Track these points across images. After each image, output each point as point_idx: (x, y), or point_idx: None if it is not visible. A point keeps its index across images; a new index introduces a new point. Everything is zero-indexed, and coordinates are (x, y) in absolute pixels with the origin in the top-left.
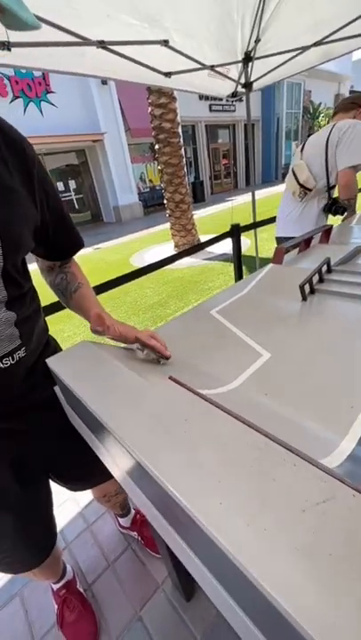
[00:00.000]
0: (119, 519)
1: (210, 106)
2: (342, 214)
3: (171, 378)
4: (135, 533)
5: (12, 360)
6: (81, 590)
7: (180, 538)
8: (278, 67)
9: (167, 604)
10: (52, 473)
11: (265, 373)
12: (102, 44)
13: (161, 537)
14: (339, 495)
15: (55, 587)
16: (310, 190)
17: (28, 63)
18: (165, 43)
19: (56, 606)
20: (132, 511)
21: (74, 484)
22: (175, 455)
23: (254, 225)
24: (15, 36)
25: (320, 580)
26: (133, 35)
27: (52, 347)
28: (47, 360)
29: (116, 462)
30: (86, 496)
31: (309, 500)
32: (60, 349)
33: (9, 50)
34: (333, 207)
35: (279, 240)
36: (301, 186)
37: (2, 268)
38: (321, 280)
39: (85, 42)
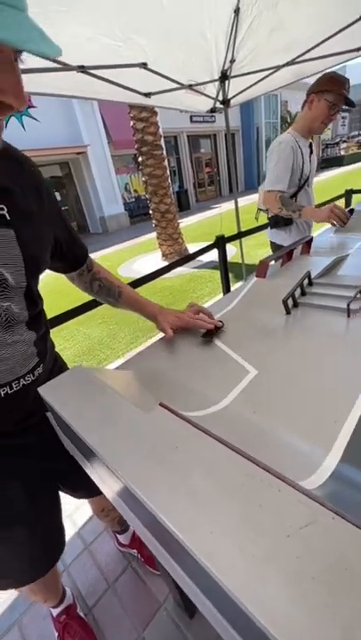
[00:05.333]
0: (118, 536)
1: (191, 117)
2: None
3: (161, 404)
4: (135, 551)
5: (33, 377)
6: (82, 615)
7: (175, 563)
8: (254, 84)
9: (170, 622)
10: (61, 484)
11: (253, 391)
12: (82, 69)
13: None
14: (320, 519)
15: (55, 612)
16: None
17: None
18: (144, 65)
19: (57, 633)
20: (131, 527)
21: (82, 491)
22: (167, 485)
23: (239, 235)
24: None
25: (303, 603)
26: (110, 55)
27: (59, 362)
28: (39, 389)
29: (112, 489)
30: (83, 515)
31: (293, 525)
32: (66, 364)
33: None
34: (275, 222)
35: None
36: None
37: (25, 289)
38: (303, 293)
39: (66, 67)
